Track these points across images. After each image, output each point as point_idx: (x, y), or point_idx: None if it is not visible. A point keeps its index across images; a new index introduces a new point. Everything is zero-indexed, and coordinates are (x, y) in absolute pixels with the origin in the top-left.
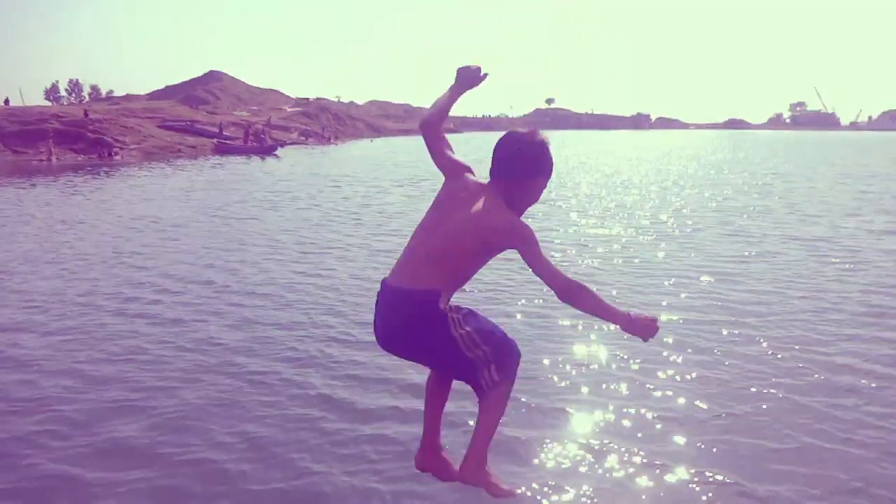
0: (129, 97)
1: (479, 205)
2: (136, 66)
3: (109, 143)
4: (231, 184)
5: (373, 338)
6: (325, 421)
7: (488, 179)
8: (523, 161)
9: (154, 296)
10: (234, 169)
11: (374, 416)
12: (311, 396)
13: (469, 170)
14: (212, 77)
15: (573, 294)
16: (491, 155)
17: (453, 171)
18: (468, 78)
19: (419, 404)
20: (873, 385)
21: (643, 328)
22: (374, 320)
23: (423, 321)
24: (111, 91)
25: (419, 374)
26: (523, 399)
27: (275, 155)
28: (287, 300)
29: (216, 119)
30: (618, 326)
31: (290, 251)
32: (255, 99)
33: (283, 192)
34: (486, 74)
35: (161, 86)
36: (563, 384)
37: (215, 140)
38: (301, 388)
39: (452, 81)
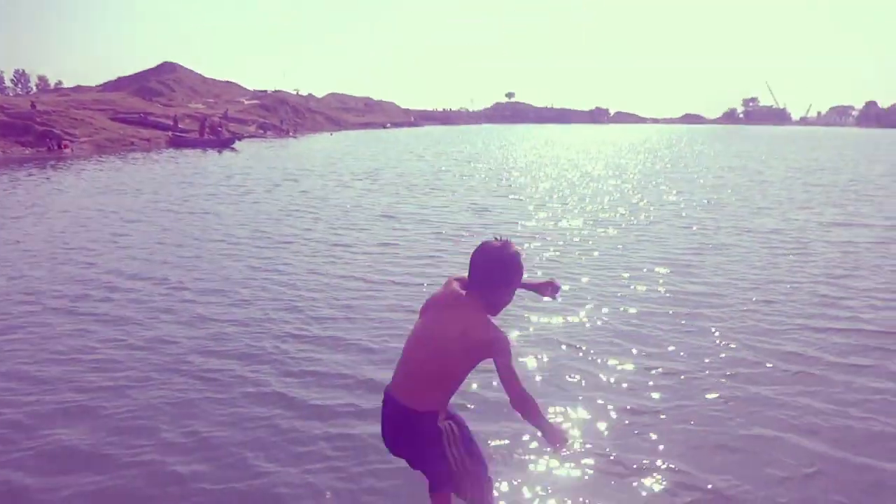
0: (78, 88)
1: (464, 320)
2: (85, 57)
3: (59, 136)
4: (186, 177)
5: (329, 334)
6: (281, 419)
7: (469, 287)
8: (500, 273)
9: (104, 293)
10: (190, 162)
11: (330, 413)
12: (266, 394)
13: (459, 279)
14: (166, 68)
15: (525, 404)
16: (469, 263)
17: (447, 284)
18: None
19: (376, 401)
20: (822, 374)
21: (562, 441)
22: (382, 425)
23: (422, 438)
24: (60, 82)
25: (376, 372)
26: (473, 387)
27: (232, 148)
28: (242, 296)
29: (171, 111)
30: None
31: (247, 246)
32: (211, 91)
33: (240, 185)
34: None
35: (112, 77)
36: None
37: (170, 133)
38: (256, 385)
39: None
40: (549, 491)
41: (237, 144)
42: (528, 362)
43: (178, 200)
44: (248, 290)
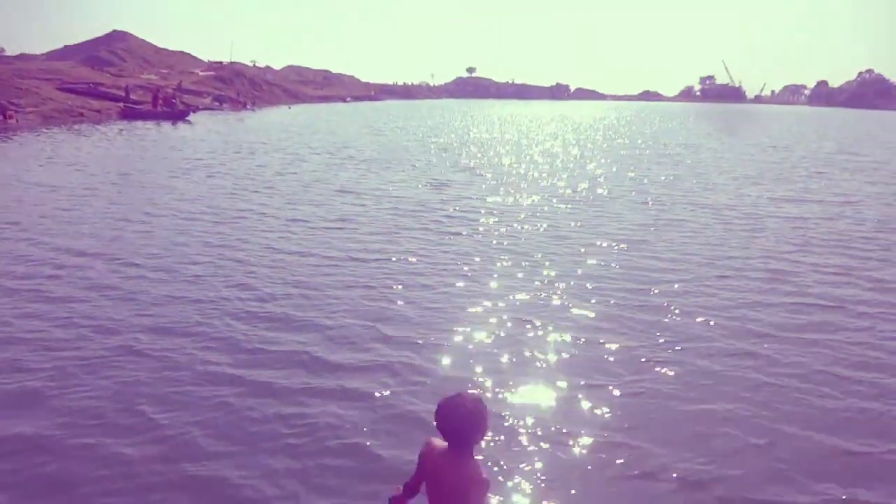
0: (23, 57)
1: (463, 479)
2: (29, 24)
3: (3, 106)
4: (139, 151)
5: (283, 311)
6: (233, 398)
7: (455, 448)
8: (475, 428)
9: (50, 271)
10: (143, 135)
11: (284, 392)
12: (217, 374)
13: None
14: (116, 37)
15: None
16: (441, 419)
17: (433, 454)
18: None
19: (331, 381)
20: (772, 348)
21: None
22: None
23: None
24: (2, 49)
25: (331, 351)
26: (416, 362)
27: (187, 121)
28: (194, 273)
29: (122, 82)
30: None
31: (200, 222)
32: (163, 61)
33: (194, 159)
34: None
35: (58, 45)
36: (473, 355)
37: (121, 104)
38: (207, 365)
39: None
40: (501, 463)
41: (192, 117)
42: (484, 338)
43: (130, 174)
44: (200, 267)
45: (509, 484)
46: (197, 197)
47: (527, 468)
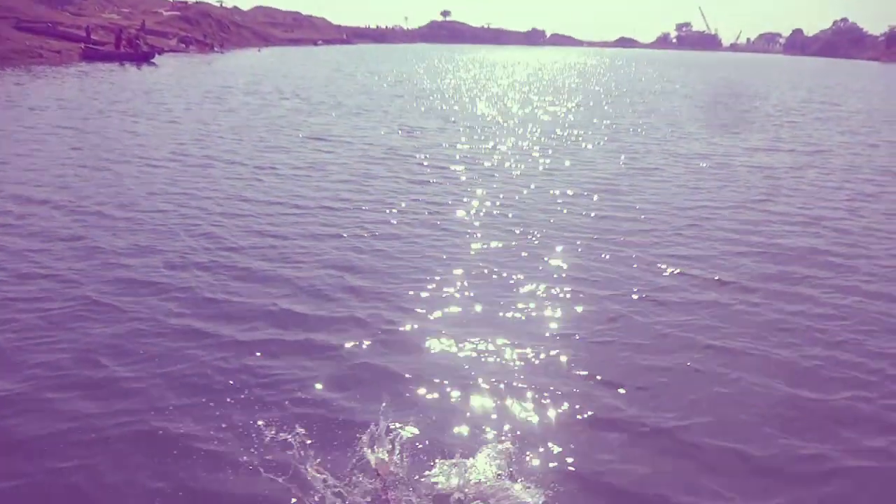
0: None
1: None
2: None
3: None
4: (101, 94)
5: (250, 263)
6: (198, 351)
7: None
8: None
9: (5, 220)
10: (106, 78)
11: (249, 345)
12: (182, 327)
13: None
14: None
15: None
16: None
17: None
18: None
19: (297, 333)
20: (739, 297)
21: None
22: None
23: None
24: None
25: (297, 303)
26: (381, 314)
27: (151, 63)
28: (159, 222)
29: (82, 21)
30: None
31: (166, 169)
32: (125, 0)
33: (159, 103)
34: None
35: None
36: (442, 306)
37: (82, 45)
38: (171, 318)
39: None
40: (465, 413)
41: (157, 59)
42: (453, 289)
43: (91, 118)
44: (164, 216)
45: (471, 434)
46: (161, 143)
47: (492, 417)
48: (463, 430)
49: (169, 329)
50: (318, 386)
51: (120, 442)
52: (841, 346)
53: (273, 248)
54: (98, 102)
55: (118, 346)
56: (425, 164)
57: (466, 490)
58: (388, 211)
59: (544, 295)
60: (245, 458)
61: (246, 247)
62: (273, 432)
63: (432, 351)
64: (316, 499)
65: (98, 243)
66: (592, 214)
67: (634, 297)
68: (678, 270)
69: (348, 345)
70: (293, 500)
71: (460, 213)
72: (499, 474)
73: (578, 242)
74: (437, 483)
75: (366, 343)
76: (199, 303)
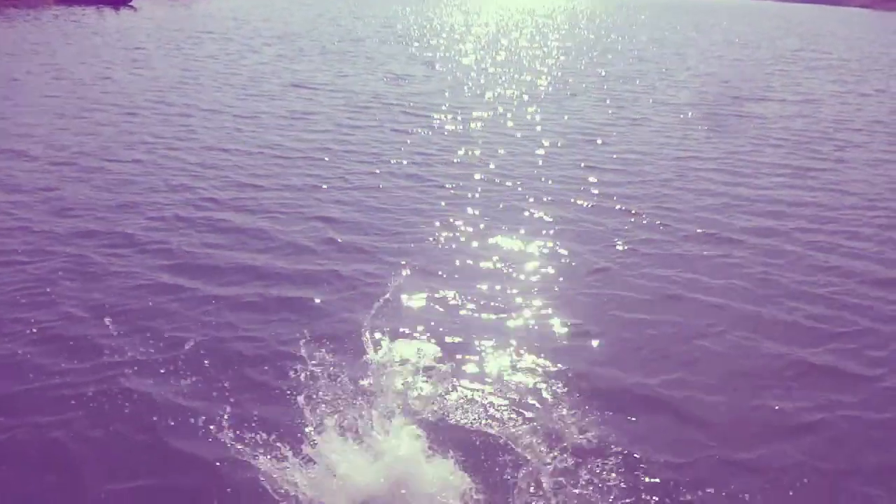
0: None
1: None
2: None
3: None
4: (77, 39)
5: (229, 214)
6: (173, 305)
7: None
8: None
9: None
10: (82, 21)
11: (224, 302)
12: (158, 282)
13: None
14: None
15: None
16: None
17: None
18: None
19: (274, 290)
20: (726, 250)
21: None
22: None
23: None
24: None
25: (275, 258)
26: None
27: (130, 6)
28: (136, 173)
29: None
30: None
31: (143, 118)
32: None
33: (137, 49)
34: None
35: None
36: (426, 258)
37: None
38: (143, 272)
39: None
40: (454, 358)
41: (135, 2)
42: (435, 244)
43: (66, 66)
44: (141, 167)
45: (457, 382)
46: (139, 91)
47: (472, 370)
48: (443, 381)
49: (146, 283)
50: (301, 341)
51: (99, 397)
52: (826, 300)
53: (253, 199)
54: (73, 48)
55: (94, 300)
56: (410, 112)
57: (446, 428)
58: (371, 161)
59: (528, 247)
60: (222, 413)
61: (226, 199)
62: (251, 388)
63: (415, 305)
64: (294, 452)
65: (73, 196)
66: (580, 164)
67: (618, 248)
68: (665, 224)
69: (329, 299)
70: (271, 453)
71: (444, 163)
72: (476, 419)
73: (565, 193)
74: (416, 429)
75: (347, 298)
76: (176, 256)
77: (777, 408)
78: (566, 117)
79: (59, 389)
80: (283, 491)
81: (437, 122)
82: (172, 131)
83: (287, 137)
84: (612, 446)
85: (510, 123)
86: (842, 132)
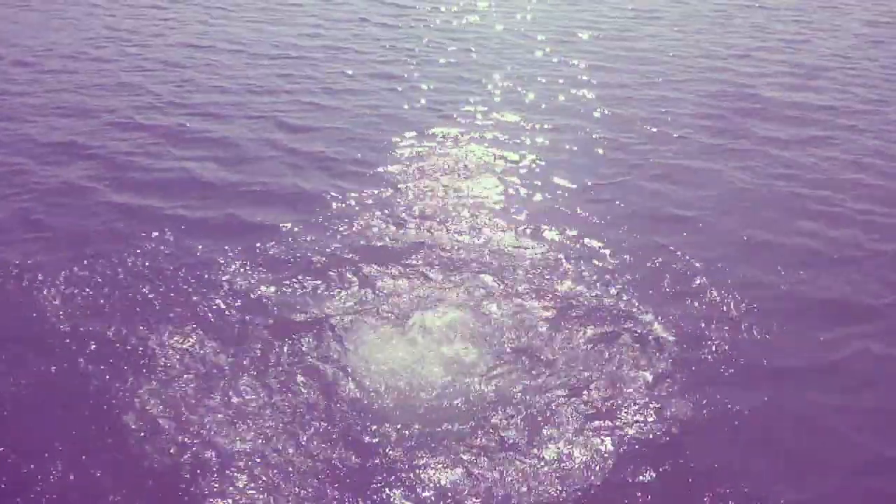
0: None
1: None
2: None
3: None
4: None
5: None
6: (125, 227)
7: None
8: None
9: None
10: None
11: (179, 223)
12: (103, 202)
13: None
14: None
15: None
16: None
17: None
18: None
19: (234, 208)
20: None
21: None
22: None
23: None
24: None
25: (233, 173)
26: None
27: None
28: (90, 70)
29: None
30: None
31: (102, 7)
32: None
33: None
34: None
35: None
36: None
37: None
38: (88, 186)
39: None
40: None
41: None
42: (409, 153)
43: None
44: (97, 65)
45: (426, 313)
46: None
47: (450, 295)
48: (411, 307)
49: (94, 203)
50: (260, 266)
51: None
52: (822, 217)
53: (216, 104)
54: None
55: (38, 223)
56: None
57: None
58: (344, 58)
59: (512, 161)
60: (184, 339)
61: (186, 104)
62: (210, 317)
63: (383, 228)
64: (262, 391)
65: (17, 98)
66: (601, 53)
67: (645, 142)
68: (678, 123)
69: (292, 220)
70: (238, 385)
71: (424, 60)
72: (460, 352)
73: (578, 92)
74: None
75: (311, 220)
76: (129, 170)
77: (763, 340)
78: (581, 8)
79: (16, 327)
80: None
81: (418, 11)
82: (135, 23)
83: (255, 31)
84: (593, 368)
85: (499, 11)
86: (851, 31)
